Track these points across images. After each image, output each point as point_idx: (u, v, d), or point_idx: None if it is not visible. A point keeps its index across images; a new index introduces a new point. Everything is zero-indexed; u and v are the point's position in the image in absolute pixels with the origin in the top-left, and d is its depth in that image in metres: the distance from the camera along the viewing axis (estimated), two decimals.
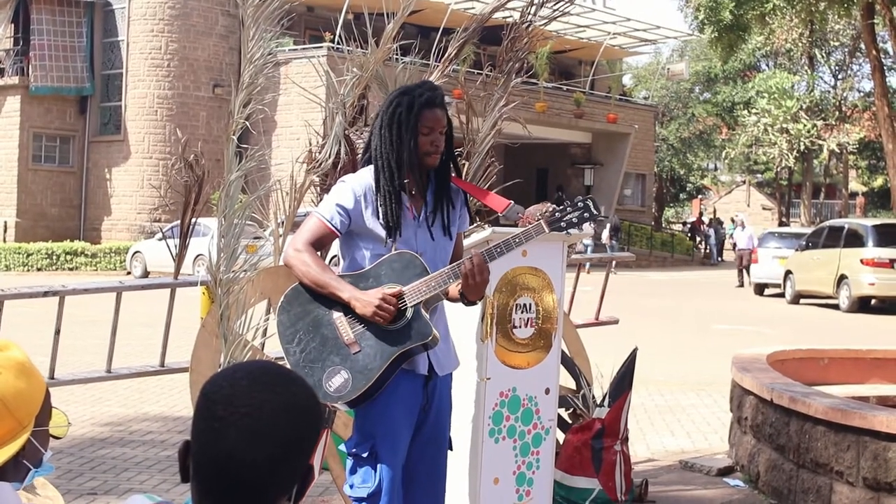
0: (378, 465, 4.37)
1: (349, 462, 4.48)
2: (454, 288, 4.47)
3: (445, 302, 4.62)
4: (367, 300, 4.24)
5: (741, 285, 34.01)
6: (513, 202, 4.82)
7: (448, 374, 4.62)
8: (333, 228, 4.40)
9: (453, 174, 4.66)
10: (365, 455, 4.38)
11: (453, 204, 4.60)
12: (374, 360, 4.28)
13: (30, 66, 40.64)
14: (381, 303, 4.23)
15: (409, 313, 4.31)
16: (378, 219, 4.41)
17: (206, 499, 2.05)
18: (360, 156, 4.79)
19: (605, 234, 43.94)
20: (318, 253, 4.49)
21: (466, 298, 4.44)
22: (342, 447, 4.48)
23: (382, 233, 4.40)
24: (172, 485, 7.78)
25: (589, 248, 40.36)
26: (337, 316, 4.33)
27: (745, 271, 34.44)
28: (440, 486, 4.62)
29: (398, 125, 4.39)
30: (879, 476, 6.20)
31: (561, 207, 4.56)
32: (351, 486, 4.45)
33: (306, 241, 4.39)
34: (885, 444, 6.20)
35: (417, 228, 4.47)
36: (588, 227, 4.88)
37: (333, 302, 4.32)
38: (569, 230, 4.54)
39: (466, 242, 5.36)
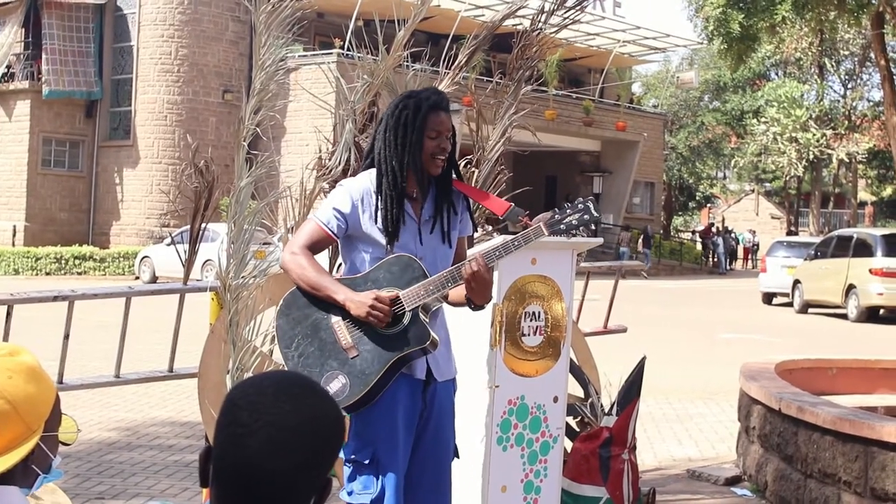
0: (380, 472, 4.31)
1: (347, 469, 4.41)
2: (458, 292, 4.42)
3: (454, 309, 4.60)
4: (360, 301, 4.21)
5: None
6: (513, 205, 4.77)
7: (448, 380, 4.56)
8: (330, 232, 4.38)
9: (454, 178, 4.63)
10: (366, 462, 4.32)
11: (455, 209, 4.56)
12: (371, 365, 4.26)
13: (42, 71, 40.74)
14: (375, 303, 4.20)
15: (406, 317, 4.29)
16: (377, 223, 4.38)
17: None
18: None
19: (639, 242, 45.33)
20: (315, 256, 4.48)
21: (473, 303, 4.40)
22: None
23: (381, 237, 4.37)
24: (180, 490, 7.79)
25: (625, 255, 41.00)
26: (335, 320, 4.31)
27: None
28: (445, 494, 4.57)
29: (404, 128, 4.36)
30: (888, 486, 6.18)
31: (560, 210, 4.50)
32: (350, 493, 4.38)
33: (302, 245, 4.37)
34: (893, 455, 6.18)
35: (417, 233, 4.44)
36: (594, 238, 4.82)
37: (331, 306, 4.30)
38: (569, 233, 4.47)
39: (475, 249, 5.36)
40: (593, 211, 4.49)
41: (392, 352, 4.28)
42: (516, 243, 4.39)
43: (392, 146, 4.38)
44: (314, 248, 4.42)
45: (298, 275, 4.32)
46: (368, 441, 4.32)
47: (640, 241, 46.58)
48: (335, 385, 4.24)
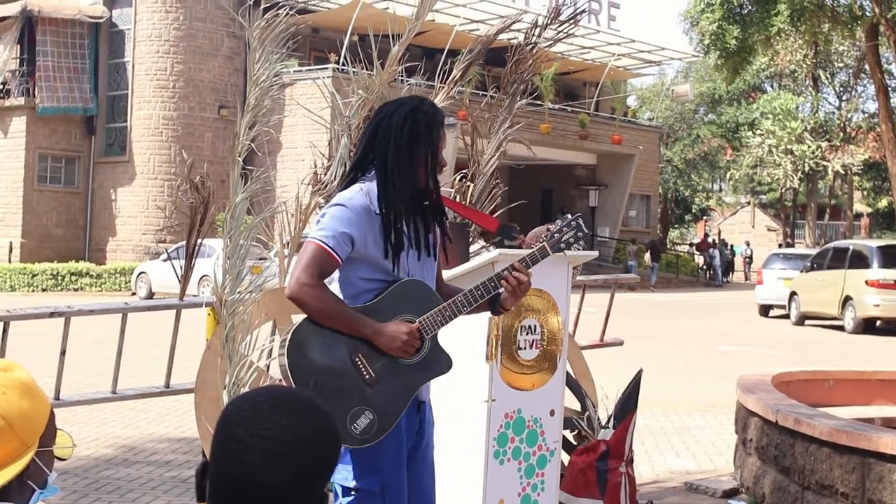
0: (387, 499, 4.14)
1: (349, 498, 4.17)
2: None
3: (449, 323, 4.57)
4: (393, 334, 4.05)
5: None
6: (502, 221, 4.68)
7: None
8: (339, 258, 4.10)
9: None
10: (376, 490, 4.12)
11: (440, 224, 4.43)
12: (396, 399, 4.11)
13: (35, 87, 40.77)
14: (409, 337, 4.05)
15: (426, 345, 4.15)
16: (375, 242, 4.15)
17: None
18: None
19: (647, 255, 45.89)
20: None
21: (503, 307, 4.33)
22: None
23: (380, 257, 4.15)
24: None
25: (633, 269, 41.41)
26: (353, 352, 4.07)
27: None
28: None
29: (415, 144, 4.15)
30: (885, 498, 6.18)
31: (557, 229, 4.40)
32: None
33: (315, 275, 4.06)
34: (891, 466, 6.19)
35: (409, 250, 4.25)
36: (589, 251, 4.72)
37: (347, 337, 4.07)
38: (566, 250, 4.41)
39: (470, 265, 5.37)
40: (583, 227, 4.44)
41: (416, 383, 4.17)
42: (524, 263, 4.26)
43: (405, 162, 4.16)
44: (324, 275, 4.12)
45: (316, 308, 4.03)
46: (376, 468, 4.14)
47: (648, 254, 46.80)
48: (363, 422, 4.02)
